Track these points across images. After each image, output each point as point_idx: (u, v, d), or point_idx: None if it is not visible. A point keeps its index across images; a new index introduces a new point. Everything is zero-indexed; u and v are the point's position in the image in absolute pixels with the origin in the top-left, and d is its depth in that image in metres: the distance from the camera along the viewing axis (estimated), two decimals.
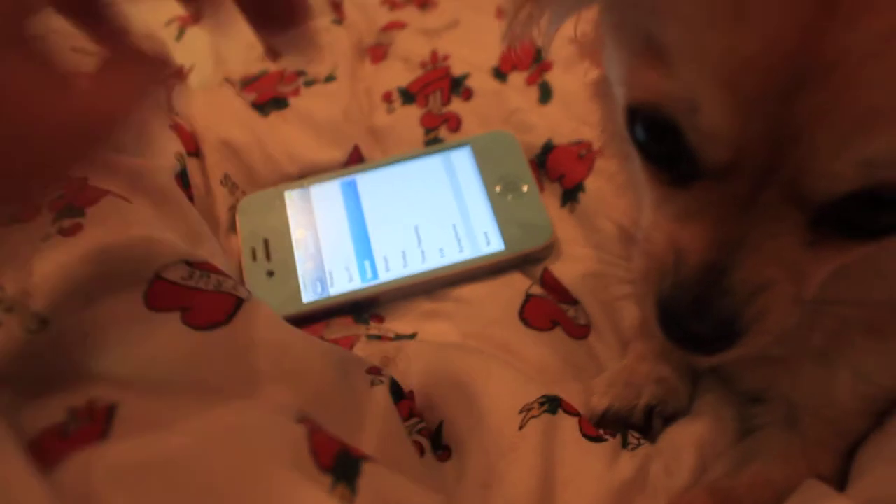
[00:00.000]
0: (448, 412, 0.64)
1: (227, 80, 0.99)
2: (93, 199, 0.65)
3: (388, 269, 0.79)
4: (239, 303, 0.60)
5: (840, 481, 0.59)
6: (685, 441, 0.64)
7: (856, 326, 0.55)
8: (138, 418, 0.51)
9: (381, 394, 0.62)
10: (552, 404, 0.64)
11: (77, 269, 0.60)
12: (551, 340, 0.74)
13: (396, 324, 0.77)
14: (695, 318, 0.43)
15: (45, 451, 0.47)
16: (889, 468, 0.54)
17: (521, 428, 0.62)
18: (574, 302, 0.77)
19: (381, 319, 0.78)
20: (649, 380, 0.67)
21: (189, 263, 0.62)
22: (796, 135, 0.36)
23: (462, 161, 0.86)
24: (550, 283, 0.78)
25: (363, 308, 0.78)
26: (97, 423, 0.50)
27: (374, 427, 0.59)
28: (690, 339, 0.45)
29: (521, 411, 0.63)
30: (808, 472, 0.59)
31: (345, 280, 0.78)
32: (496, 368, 0.67)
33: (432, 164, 0.86)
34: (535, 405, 0.63)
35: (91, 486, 0.44)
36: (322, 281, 0.78)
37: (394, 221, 0.82)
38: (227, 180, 0.87)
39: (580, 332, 0.75)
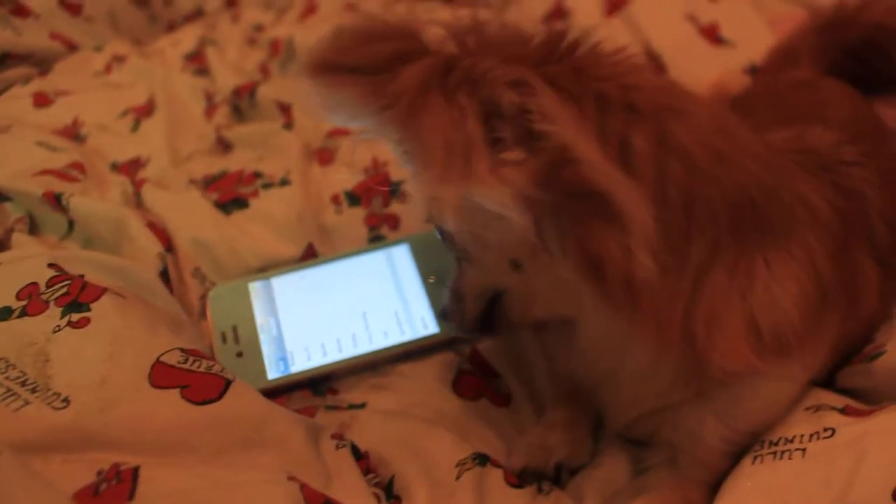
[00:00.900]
0: (397, 467, 0.79)
1: (192, 182, 1.13)
2: (95, 295, 0.79)
3: (340, 350, 0.93)
4: (227, 383, 0.74)
5: None
6: (588, 485, 0.81)
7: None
8: (159, 478, 0.64)
9: (345, 455, 0.77)
10: (482, 459, 0.79)
11: (91, 354, 0.73)
12: (478, 408, 0.89)
13: (349, 395, 0.91)
14: None
15: None
16: (734, 497, 0.71)
17: (457, 479, 0.77)
18: (497, 375, 0.93)
19: (335, 392, 0.92)
20: (559, 443, 0.83)
21: (183, 350, 0.76)
22: None
23: (401, 256, 1.02)
24: (477, 360, 0.94)
25: (320, 382, 0.93)
26: (125, 483, 0.63)
27: (340, 482, 0.73)
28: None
29: (456, 465, 0.78)
30: (683, 502, 0.76)
31: (304, 359, 0.92)
32: (435, 431, 0.83)
33: (376, 259, 1.02)
34: (469, 460, 0.79)
35: None
36: (284, 360, 0.92)
37: (344, 308, 0.97)
38: (197, 273, 1.01)
39: (502, 401, 0.91)
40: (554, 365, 0.92)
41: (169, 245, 1.02)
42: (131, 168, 1.21)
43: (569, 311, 0.74)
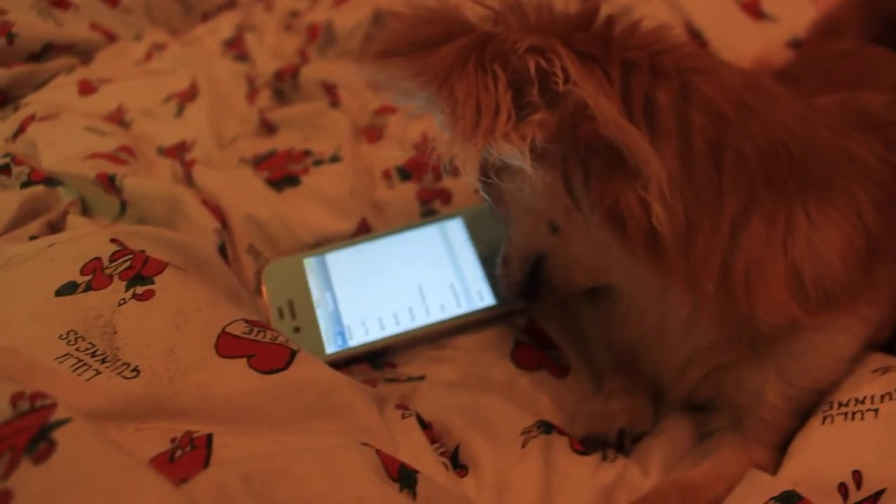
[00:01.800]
0: (462, 437, 0.78)
1: (242, 161, 1.12)
2: (158, 269, 0.79)
3: (397, 324, 0.93)
4: (293, 353, 0.73)
5: (776, 471, 0.74)
6: (653, 451, 0.80)
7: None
8: (233, 444, 0.64)
9: (412, 424, 0.76)
10: (547, 427, 0.79)
11: (158, 325, 0.73)
12: (539, 379, 0.89)
13: (407, 368, 0.91)
14: None
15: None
16: (806, 456, 0.70)
17: (523, 446, 0.77)
18: (555, 346, 0.92)
19: (394, 365, 0.92)
20: (620, 409, 0.83)
21: (247, 321, 0.75)
22: None
23: (455, 230, 1.02)
24: (534, 331, 0.94)
25: (378, 356, 0.92)
26: (200, 450, 0.63)
27: (408, 450, 0.72)
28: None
29: (521, 433, 0.78)
30: (750, 464, 0.75)
31: (362, 333, 0.92)
32: (497, 401, 0.82)
33: (430, 233, 1.02)
34: (533, 428, 0.79)
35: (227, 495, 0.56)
36: (342, 334, 0.92)
37: (400, 282, 0.97)
38: (251, 249, 1.01)
39: (561, 372, 0.90)
40: (609, 334, 0.91)
41: (223, 222, 1.02)
42: (177, 151, 1.21)
43: (606, 273, 0.76)
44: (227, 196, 1.05)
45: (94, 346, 0.71)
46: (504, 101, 0.61)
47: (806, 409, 0.75)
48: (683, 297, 0.70)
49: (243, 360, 0.71)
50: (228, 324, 0.74)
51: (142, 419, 0.66)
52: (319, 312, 0.94)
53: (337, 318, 0.94)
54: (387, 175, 1.10)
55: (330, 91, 1.26)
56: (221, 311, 0.76)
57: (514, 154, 0.62)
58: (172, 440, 0.64)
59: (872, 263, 0.70)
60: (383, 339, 0.91)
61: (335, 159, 1.11)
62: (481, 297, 0.95)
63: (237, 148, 1.18)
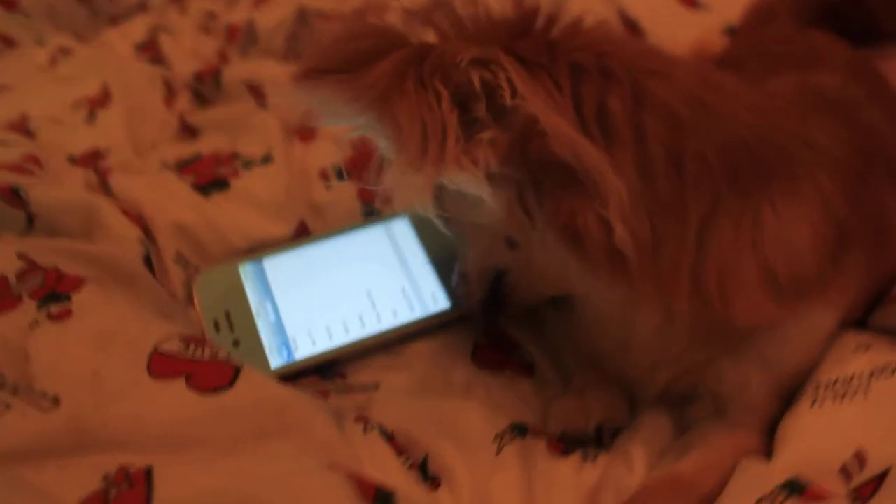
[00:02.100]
0: (430, 446, 0.72)
1: (165, 166, 1.03)
2: (75, 285, 0.70)
3: (347, 332, 0.85)
4: (237, 369, 0.66)
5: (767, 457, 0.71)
6: (634, 446, 0.75)
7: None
8: (177, 479, 0.55)
9: (375, 438, 0.69)
10: (521, 430, 0.74)
11: (78, 348, 0.64)
12: (504, 380, 0.83)
13: (359, 377, 0.84)
14: None
15: None
16: (800, 442, 0.67)
17: (498, 453, 0.71)
18: (517, 346, 0.86)
19: (343, 375, 0.85)
20: (596, 403, 0.78)
21: (182, 338, 0.67)
22: None
23: (402, 230, 0.95)
24: (494, 333, 0.88)
25: (328, 368, 0.84)
26: (138, 486, 0.54)
27: (375, 467, 0.65)
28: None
29: (494, 439, 0.72)
30: (738, 450, 0.71)
31: (308, 344, 0.84)
32: (463, 405, 0.76)
33: (375, 234, 0.95)
34: (507, 432, 0.73)
35: None
36: (287, 346, 0.84)
37: (347, 288, 0.89)
38: (179, 258, 0.92)
39: (526, 371, 0.85)
40: (573, 339, 0.85)
41: (146, 231, 0.93)
42: (91, 160, 1.11)
43: (569, 286, 0.72)
44: (149, 203, 0.96)
45: (2, 375, 0.62)
46: (450, 121, 0.56)
47: (790, 392, 0.73)
48: (652, 308, 0.67)
49: (181, 381, 0.63)
50: (161, 341, 0.66)
51: (64, 454, 0.57)
52: (260, 324, 0.86)
53: (280, 328, 0.86)
54: (324, 175, 1.03)
55: (256, 91, 1.18)
56: (151, 327, 0.68)
57: (468, 181, 0.59)
58: (104, 477, 0.55)
59: (841, 251, 0.70)
60: (333, 350, 0.84)
61: (267, 160, 1.03)
62: (436, 300, 0.88)
63: (159, 153, 1.09)
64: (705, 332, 0.69)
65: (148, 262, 0.86)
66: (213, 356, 0.67)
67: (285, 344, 0.84)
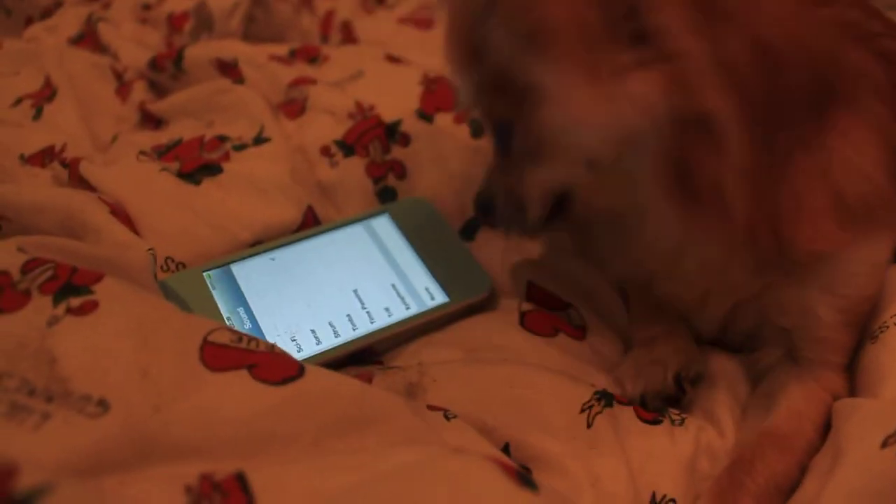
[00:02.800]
0: (511, 434, 0.64)
1: (143, 154, 0.92)
2: (94, 278, 0.59)
3: (336, 335, 0.76)
4: (301, 365, 0.56)
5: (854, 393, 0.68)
6: (718, 405, 0.71)
7: None
8: (278, 482, 0.46)
9: (460, 425, 0.61)
10: (608, 398, 0.67)
11: (116, 344, 0.54)
12: (558, 345, 0.76)
13: (397, 361, 0.76)
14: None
15: None
16: None
17: (589, 426, 0.64)
18: (567, 306, 0.80)
19: (380, 362, 0.76)
20: (669, 352, 0.73)
21: (232, 330, 0.58)
22: None
23: (383, 227, 0.87)
24: (538, 296, 0.81)
25: (359, 356, 0.76)
26: (236, 496, 0.45)
27: None
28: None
29: (582, 410, 0.66)
30: (825, 394, 0.68)
31: (293, 350, 0.74)
32: (536, 375, 0.69)
33: (354, 233, 0.86)
34: (594, 401, 0.67)
35: None
36: None
37: (331, 287, 0.80)
38: (170, 264, 0.81)
39: (578, 333, 0.79)
40: (615, 271, 0.82)
41: (136, 232, 0.81)
42: (45, 158, 0.98)
43: (633, 209, 0.68)
44: (132, 199, 0.84)
45: (28, 382, 0.50)
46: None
47: (860, 321, 0.70)
48: (713, 236, 0.63)
49: (244, 372, 0.54)
50: (210, 331, 0.56)
51: (127, 468, 0.47)
52: None
53: (258, 335, 0.73)
54: (326, 151, 0.93)
55: (228, 69, 1.06)
56: (195, 319, 0.58)
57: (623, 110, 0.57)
58: (187, 490, 0.45)
59: None
60: (323, 354, 0.74)
61: (261, 140, 0.93)
62: (432, 295, 0.81)
63: (131, 143, 0.96)
64: (766, 261, 0.65)
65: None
66: (270, 349, 0.57)
67: None
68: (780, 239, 0.62)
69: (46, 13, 1.59)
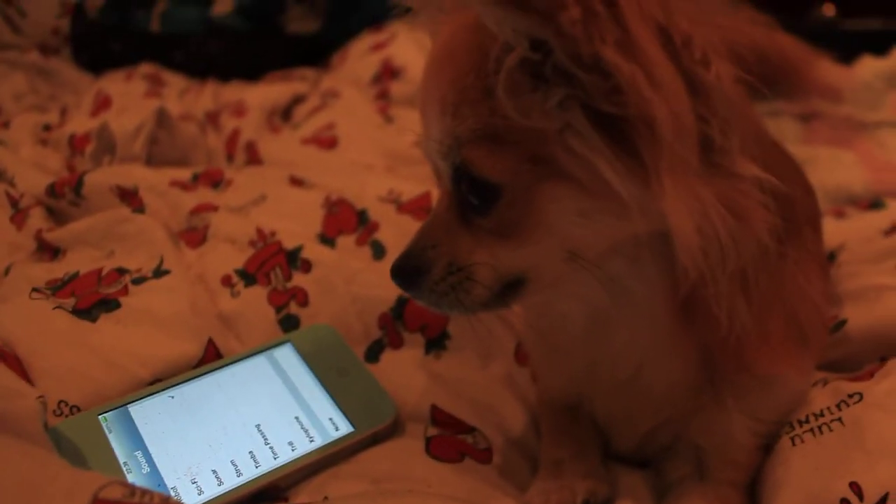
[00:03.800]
0: None
1: (36, 291, 0.89)
2: None
3: (238, 474, 0.74)
4: None
5: None
6: None
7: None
8: None
9: None
10: None
11: None
12: (464, 470, 0.77)
13: (302, 497, 0.74)
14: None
15: None
16: (794, 482, 0.67)
17: None
18: (472, 429, 0.81)
19: (285, 499, 0.75)
20: (577, 477, 0.73)
21: (124, 485, 0.56)
22: None
23: (286, 357, 0.87)
24: (443, 419, 0.82)
25: (261, 496, 0.74)
26: None
27: None
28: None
29: None
30: None
31: (193, 494, 0.72)
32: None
33: (257, 365, 0.86)
34: None
35: None
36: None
37: (233, 424, 0.79)
38: (63, 408, 0.78)
39: (485, 456, 0.79)
40: (548, 388, 0.82)
41: (27, 378, 0.79)
42: None
43: (595, 312, 0.66)
44: (24, 340, 0.82)
45: None
46: None
47: (769, 441, 0.72)
48: (678, 352, 0.66)
49: None
50: (101, 488, 0.54)
51: None
52: (131, 478, 0.73)
53: (157, 479, 0.73)
54: (227, 281, 0.93)
55: (128, 196, 1.06)
56: (84, 475, 0.56)
57: None
58: None
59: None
60: (225, 495, 0.72)
61: (161, 273, 0.92)
62: (336, 426, 0.80)
63: (24, 276, 0.94)
64: (711, 381, 0.68)
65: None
66: (164, 502, 0.56)
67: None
68: (740, 361, 0.65)
69: None
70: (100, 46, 2.00)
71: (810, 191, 0.84)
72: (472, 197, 0.61)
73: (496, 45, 0.54)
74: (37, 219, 1.11)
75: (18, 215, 1.11)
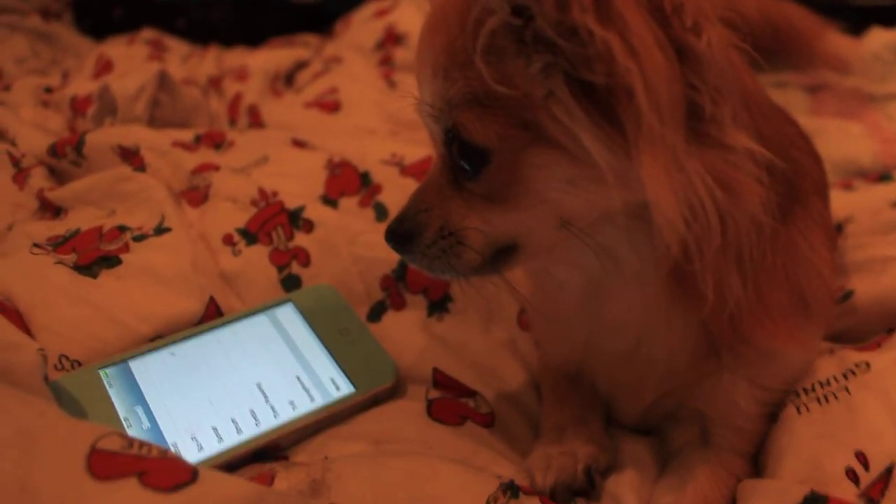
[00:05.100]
0: None
1: (37, 246, 0.89)
2: None
3: (239, 431, 0.74)
4: (194, 468, 0.55)
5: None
6: (625, 490, 0.71)
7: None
8: None
9: None
10: (513, 490, 0.67)
11: None
12: (465, 434, 0.76)
13: (303, 456, 0.74)
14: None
15: None
16: (799, 450, 0.67)
17: None
18: (473, 393, 0.81)
19: (285, 458, 0.74)
20: (579, 443, 0.73)
21: (122, 435, 0.56)
22: None
23: (287, 316, 0.86)
24: (445, 382, 0.81)
25: (261, 454, 0.74)
26: None
27: None
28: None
29: (487, 503, 0.65)
30: (731, 478, 0.70)
31: (193, 450, 0.72)
32: (441, 468, 0.68)
33: (258, 323, 0.85)
34: (499, 493, 0.66)
35: None
36: None
37: (234, 382, 0.79)
38: (64, 362, 0.78)
39: (487, 420, 0.79)
40: (550, 356, 0.81)
41: (27, 331, 0.78)
42: None
43: (588, 281, 0.66)
44: (24, 294, 0.81)
45: None
46: None
47: (775, 410, 0.72)
48: (680, 323, 0.65)
49: (134, 480, 0.52)
50: (98, 438, 0.54)
51: None
52: (131, 433, 0.71)
53: (157, 435, 0.73)
54: (228, 240, 0.92)
55: (130, 155, 1.05)
56: (82, 425, 0.56)
57: None
58: None
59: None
60: (225, 452, 0.72)
61: (161, 230, 0.91)
62: (337, 386, 0.80)
63: (25, 233, 0.93)
64: (699, 353, 0.67)
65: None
66: (162, 454, 0.55)
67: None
68: (738, 334, 0.64)
69: None
70: (101, 12, 1.98)
71: (818, 159, 0.83)
72: (462, 161, 0.60)
73: (477, 9, 0.54)
74: (38, 178, 1.10)
75: (20, 175, 1.10)
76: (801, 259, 0.67)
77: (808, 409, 0.69)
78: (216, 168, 1.03)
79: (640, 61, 0.50)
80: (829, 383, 0.70)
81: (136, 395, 0.76)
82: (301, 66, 1.57)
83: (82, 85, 1.43)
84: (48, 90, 1.49)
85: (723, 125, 0.55)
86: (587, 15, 0.49)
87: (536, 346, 0.84)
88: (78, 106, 1.33)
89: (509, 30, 0.54)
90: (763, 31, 1.21)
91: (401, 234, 0.66)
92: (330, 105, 1.32)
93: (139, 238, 0.90)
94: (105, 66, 1.56)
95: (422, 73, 0.61)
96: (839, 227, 0.97)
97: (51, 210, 1.04)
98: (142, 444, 0.56)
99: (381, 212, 0.98)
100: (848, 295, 0.83)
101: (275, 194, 0.97)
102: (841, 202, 0.97)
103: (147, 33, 1.81)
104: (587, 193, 0.57)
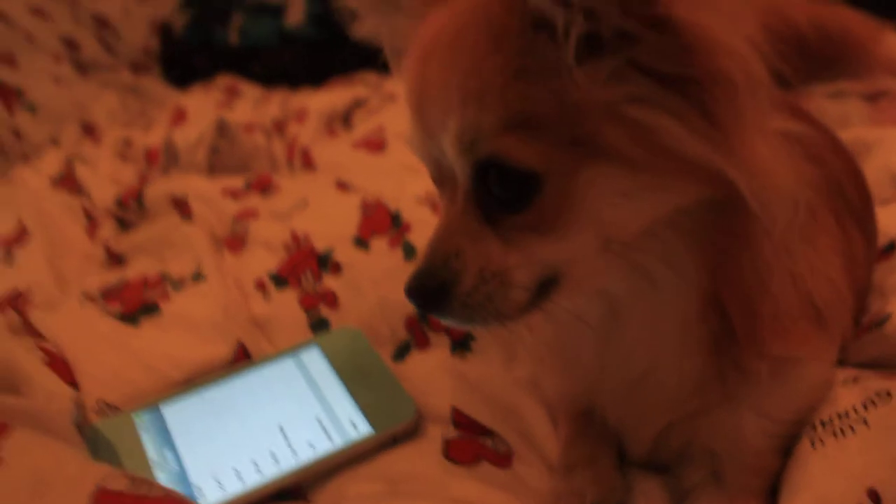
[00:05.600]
0: None
1: (87, 297, 0.96)
2: (2, 433, 0.63)
3: (259, 471, 0.77)
4: None
5: None
6: None
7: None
8: None
9: None
10: None
11: (10, 498, 0.57)
12: (479, 474, 0.76)
13: (323, 496, 0.76)
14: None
15: None
16: (810, 487, 0.63)
17: None
18: (490, 433, 0.80)
19: (306, 499, 0.77)
20: (587, 483, 0.72)
21: (128, 476, 0.60)
22: None
23: (312, 359, 0.89)
24: (463, 421, 0.82)
25: (286, 495, 0.76)
26: None
27: None
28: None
29: None
30: None
31: (216, 490, 0.75)
32: None
33: (284, 367, 0.88)
34: None
35: None
36: (192, 497, 0.74)
37: (257, 424, 0.82)
38: (102, 406, 0.83)
39: (503, 461, 0.78)
40: (561, 396, 0.80)
41: (72, 380, 0.84)
42: (12, 302, 1.03)
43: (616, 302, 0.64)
44: (71, 344, 0.88)
45: None
46: None
47: (789, 444, 0.68)
48: (689, 328, 0.62)
49: None
50: (104, 477, 0.58)
51: None
52: (160, 476, 0.76)
53: (183, 478, 0.77)
54: (260, 285, 0.96)
55: (181, 205, 1.12)
56: (90, 465, 0.61)
57: None
58: None
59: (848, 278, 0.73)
60: (245, 494, 0.75)
61: (198, 278, 0.97)
62: (355, 427, 0.81)
63: (83, 285, 1.01)
64: (706, 376, 0.65)
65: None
66: (165, 494, 0.59)
67: (190, 496, 0.74)
68: (755, 342, 0.62)
69: (41, 150, 1.68)
70: (186, 62, 2.11)
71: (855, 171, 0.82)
72: (503, 192, 0.56)
73: (516, 23, 0.52)
74: (107, 229, 1.19)
75: (92, 226, 1.20)
76: (812, 268, 0.65)
77: (822, 442, 0.65)
78: (255, 215, 1.08)
79: (735, 48, 0.50)
80: (847, 415, 0.66)
81: (166, 438, 0.81)
82: (359, 104, 1.61)
83: (158, 136, 1.53)
84: (127, 143, 1.60)
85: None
86: (680, 5, 0.49)
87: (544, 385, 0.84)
88: (150, 157, 1.42)
89: (565, 38, 0.51)
90: (816, 39, 1.16)
91: (433, 290, 0.58)
92: (376, 144, 1.36)
93: (177, 286, 0.95)
94: (179, 116, 1.65)
95: (431, 105, 0.57)
96: (891, 246, 0.91)
97: (115, 259, 1.12)
98: (148, 483, 0.59)
99: (409, 251, 0.99)
100: (884, 320, 0.78)
101: (306, 237, 1.01)
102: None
103: (223, 80, 1.91)
104: (640, 203, 0.55)
